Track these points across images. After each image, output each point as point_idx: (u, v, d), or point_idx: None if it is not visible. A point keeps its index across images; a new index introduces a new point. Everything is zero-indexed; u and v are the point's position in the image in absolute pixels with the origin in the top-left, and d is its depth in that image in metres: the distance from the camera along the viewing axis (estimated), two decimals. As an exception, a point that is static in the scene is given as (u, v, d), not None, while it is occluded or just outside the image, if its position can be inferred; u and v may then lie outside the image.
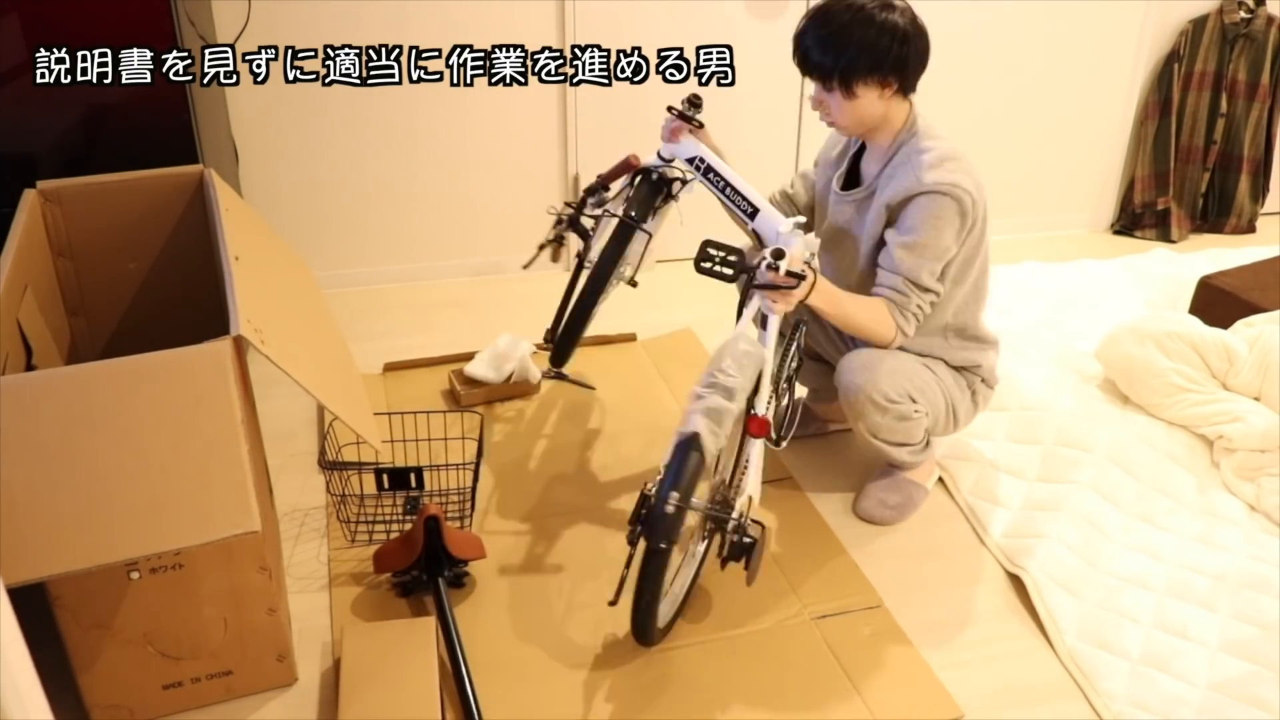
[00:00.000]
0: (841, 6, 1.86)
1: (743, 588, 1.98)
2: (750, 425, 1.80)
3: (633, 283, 2.42)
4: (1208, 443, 2.43)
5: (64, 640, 1.56)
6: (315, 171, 3.03)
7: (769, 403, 1.87)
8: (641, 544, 1.68)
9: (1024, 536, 2.12)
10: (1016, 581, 2.04)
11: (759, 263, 1.84)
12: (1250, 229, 3.74)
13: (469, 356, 2.73)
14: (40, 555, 1.33)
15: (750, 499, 1.83)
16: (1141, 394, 2.51)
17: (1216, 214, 3.76)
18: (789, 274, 1.78)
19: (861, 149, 2.08)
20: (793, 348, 2.04)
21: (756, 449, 1.85)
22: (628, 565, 1.78)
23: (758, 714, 1.73)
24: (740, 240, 1.98)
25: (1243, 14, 3.50)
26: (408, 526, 2.10)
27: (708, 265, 1.89)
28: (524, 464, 2.35)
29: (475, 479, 2.17)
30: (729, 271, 1.89)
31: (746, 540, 1.75)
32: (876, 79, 1.87)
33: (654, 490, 1.69)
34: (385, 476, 2.15)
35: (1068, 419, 2.42)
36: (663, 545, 1.64)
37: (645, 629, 1.79)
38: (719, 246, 1.90)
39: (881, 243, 1.99)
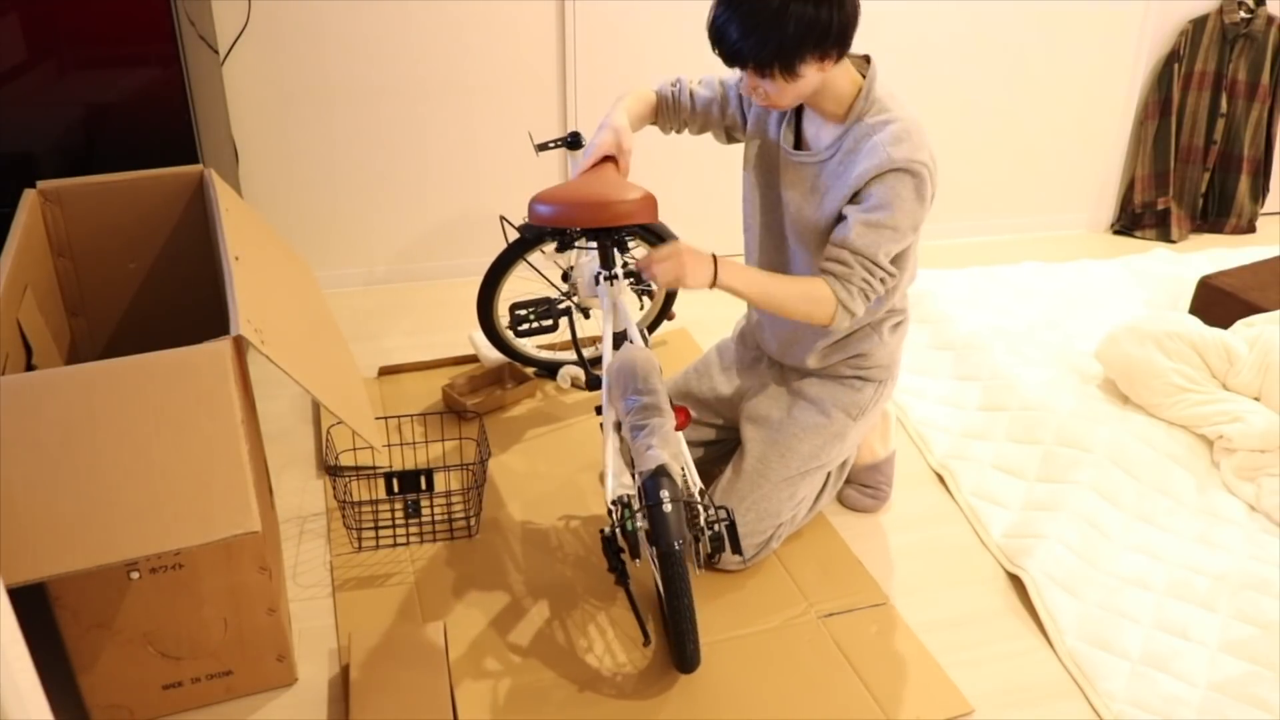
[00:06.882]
0: None
1: (747, 588, 1.99)
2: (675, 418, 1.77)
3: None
4: (1208, 443, 2.43)
5: (64, 640, 1.56)
6: (315, 171, 3.03)
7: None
8: (639, 568, 1.65)
9: (1024, 536, 2.12)
10: (1016, 581, 2.04)
11: (620, 268, 1.91)
12: (1250, 229, 3.74)
13: (463, 360, 2.73)
14: (40, 555, 1.33)
15: (701, 489, 1.82)
16: (1141, 394, 2.51)
17: (1216, 214, 3.76)
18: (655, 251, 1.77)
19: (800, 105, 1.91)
20: None
21: (683, 441, 1.85)
22: (633, 604, 1.76)
23: (770, 713, 1.73)
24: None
25: (1243, 14, 3.50)
26: (412, 530, 2.10)
27: (526, 328, 1.89)
28: (525, 466, 2.35)
29: (482, 481, 2.17)
30: (549, 322, 1.89)
31: (724, 524, 1.69)
32: (818, 55, 1.68)
33: (611, 529, 1.68)
34: (396, 480, 2.13)
35: (1068, 419, 2.42)
36: (677, 544, 1.60)
37: (694, 654, 1.76)
38: (525, 305, 1.90)
39: (840, 218, 1.83)
